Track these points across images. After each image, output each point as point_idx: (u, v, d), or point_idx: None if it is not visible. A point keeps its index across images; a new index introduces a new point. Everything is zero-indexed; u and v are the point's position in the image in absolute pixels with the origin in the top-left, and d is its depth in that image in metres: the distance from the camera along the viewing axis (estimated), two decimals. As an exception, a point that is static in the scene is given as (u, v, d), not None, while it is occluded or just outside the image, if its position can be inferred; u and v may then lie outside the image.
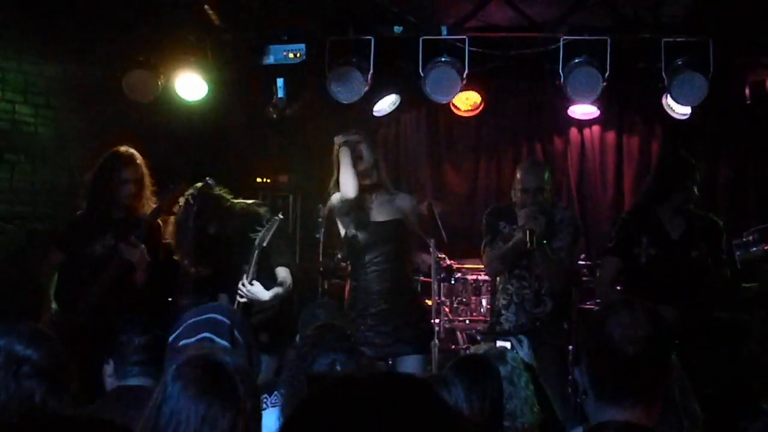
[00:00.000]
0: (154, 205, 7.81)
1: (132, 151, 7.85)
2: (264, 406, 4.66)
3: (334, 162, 7.73)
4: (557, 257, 7.52)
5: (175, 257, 7.91)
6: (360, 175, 7.55)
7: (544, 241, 7.42)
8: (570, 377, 8.47)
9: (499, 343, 6.34)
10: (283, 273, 7.75)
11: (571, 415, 7.77)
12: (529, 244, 7.34)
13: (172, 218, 7.83)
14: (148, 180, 7.87)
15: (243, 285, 7.46)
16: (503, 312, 7.73)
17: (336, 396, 1.87)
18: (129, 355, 4.90)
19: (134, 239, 7.52)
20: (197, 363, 3.40)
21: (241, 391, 3.34)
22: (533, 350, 5.91)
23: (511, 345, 7.28)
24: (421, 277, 9.44)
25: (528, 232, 7.31)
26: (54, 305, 7.68)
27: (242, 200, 8.03)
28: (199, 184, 7.78)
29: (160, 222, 7.88)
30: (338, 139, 7.70)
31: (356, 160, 7.56)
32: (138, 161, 7.82)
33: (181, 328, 4.14)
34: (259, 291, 7.49)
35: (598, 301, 8.86)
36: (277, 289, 7.61)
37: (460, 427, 1.92)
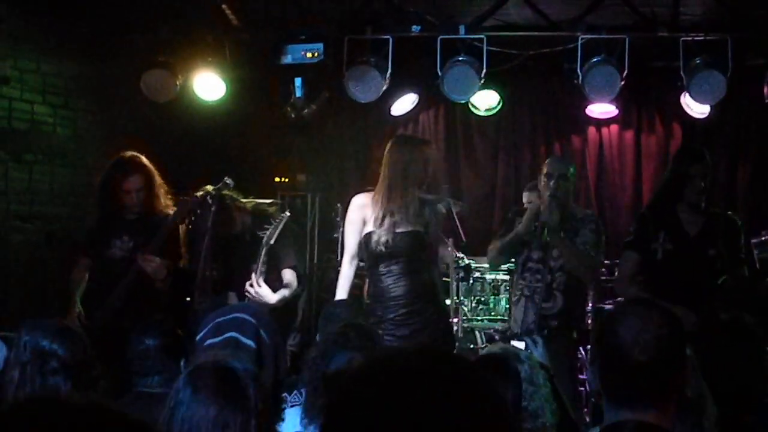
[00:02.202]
0: (170, 203, 7.82)
1: (136, 157, 7.78)
2: (285, 405, 4.66)
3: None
4: (582, 249, 7.50)
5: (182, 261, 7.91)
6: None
7: (562, 234, 7.41)
8: (583, 381, 8.49)
9: (514, 344, 6.33)
10: (288, 275, 7.73)
11: (581, 418, 7.79)
12: (540, 233, 7.36)
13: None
14: (157, 180, 7.85)
15: (251, 286, 7.45)
16: (513, 309, 7.74)
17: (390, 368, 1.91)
18: (144, 361, 4.90)
19: (149, 255, 7.53)
20: (207, 368, 3.42)
21: (251, 393, 3.35)
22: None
23: (526, 345, 7.29)
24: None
25: (554, 200, 7.33)
26: (79, 307, 7.70)
27: (252, 199, 8.03)
28: (210, 186, 7.78)
29: (180, 226, 7.88)
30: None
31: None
32: (142, 169, 7.75)
33: (207, 328, 4.15)
34: (266, 294, 7.48)
35: (617, 299, 8.84)
36: (283, 292, 7.61)
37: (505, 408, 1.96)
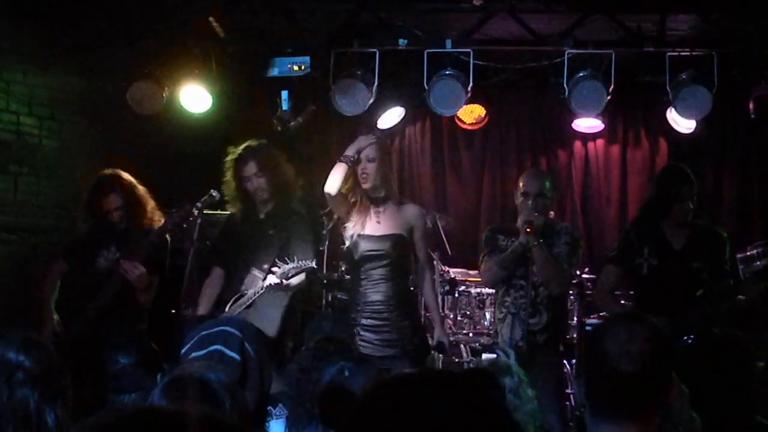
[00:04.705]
0: (158, 215, 7.84)
1: (114, 175, 7.86)
2: (269, 418, 4.66)
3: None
4: (555, 259, 7.49)
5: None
6: (369, 189, 7.53)
7: (542, 240, 7.39)
8: (569, 395, 8.49)
9: (486, 356, 6.30)
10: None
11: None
12: (528, 239, 7.32)
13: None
14: (140, 195, 7.86)
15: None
16: (499, 326, 7.71)
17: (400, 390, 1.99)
18: (120, 380, 4.88)
19: (134, 260, 7.53)
20: (183, 380, 3.41)
21: (227, 405, 3.34)
22: (528, 369, 5.87)
23: (497, 357, 7.27)
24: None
25: (528, 225, 7.29)
26: (56, 316, 7.69)
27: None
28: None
29: (168, 238, 7.87)
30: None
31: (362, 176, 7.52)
32: (120, 187, 7.81)
33: (192, 341, 4.15)
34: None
35: (601, 313, 8.85)
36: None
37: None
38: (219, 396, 3.35)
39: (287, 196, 7.89)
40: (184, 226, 7.79)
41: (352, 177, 7.54)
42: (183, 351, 4.22)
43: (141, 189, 7.90)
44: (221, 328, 4.18)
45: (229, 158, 7.86)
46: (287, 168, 7.97)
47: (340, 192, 7.46)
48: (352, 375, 4.16)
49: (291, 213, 7.89)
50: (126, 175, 7.86)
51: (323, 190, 7.52)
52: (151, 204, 7.90)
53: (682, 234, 7.54)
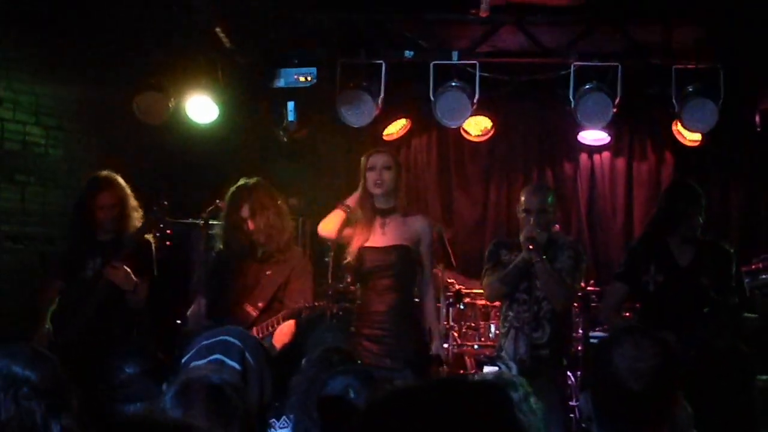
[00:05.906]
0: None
1: (109, 175, 7.87)
2: (273, 429, 4.66)
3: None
4: (558, 275, 7.46)
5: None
6: (377, 198, 7.54)
7: (544, 256, 7.36)
8: (574, 407, 8.47)
9: (487, 369, 6.27)
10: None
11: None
12: (530, 256, 7.29)
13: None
14: (130, 200, 7.87)
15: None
16: (502, 341, 7.68)
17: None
18: (126, 389, 4.87)
19: (116, 262, 7.53)
20: (196, 386, 3.41)
21: (240, 409, 3.35)
22: (532, 382, 5.86)
23: (500, 370, 7.25)
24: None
25: (530, 242, 7.26)
26: (48, 325, 7.70)
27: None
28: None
29: (150, 240, 7.86)
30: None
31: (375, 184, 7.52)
32: (115, 185, 7.82)
33: (193, 350, 4.15)
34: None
35: (606, 327, 8.84)
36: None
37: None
38: (232, 400, 3.36)
39: (282, 236, 7.86)
40: (161, 225, 7.79)
41: (362, 187, 7.56)
42: (184, 360, 4.23)
43: (131, 198, 7.91)
44: (222, 337, 4.19)
45: (227, 196, 7.79)
46: (281, 207, 7.93)
47: (336, 234, 7.56)
48: (357, 395, 4.16)
49: (289, 253, 7.90)
50: (120, 179, 7.88)
51: (318, 230, 7.68)
52: (138, 213, 7.90)
53: (688, 250, 7.51)
